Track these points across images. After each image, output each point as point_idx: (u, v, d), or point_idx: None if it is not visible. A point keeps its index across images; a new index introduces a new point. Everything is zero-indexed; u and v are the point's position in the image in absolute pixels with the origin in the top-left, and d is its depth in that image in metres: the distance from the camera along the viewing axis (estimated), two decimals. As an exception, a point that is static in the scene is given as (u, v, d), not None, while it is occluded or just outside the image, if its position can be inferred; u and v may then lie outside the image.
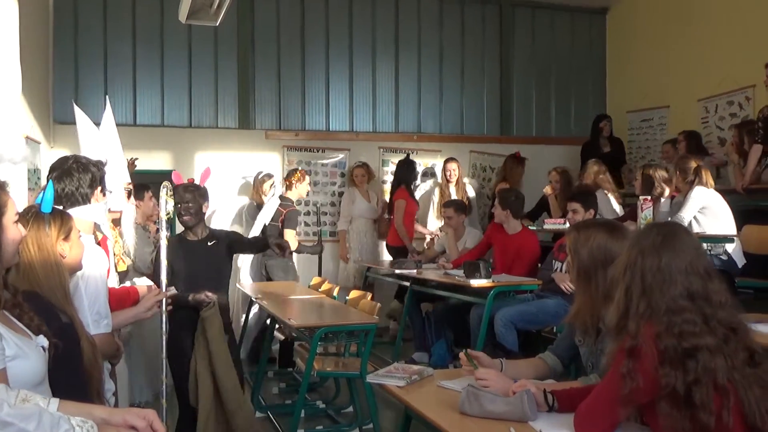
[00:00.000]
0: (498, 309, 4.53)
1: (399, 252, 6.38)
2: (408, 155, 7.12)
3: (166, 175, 3.53)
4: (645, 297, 1.83)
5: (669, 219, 5.05)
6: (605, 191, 5.92)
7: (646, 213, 4.87)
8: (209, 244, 3.24)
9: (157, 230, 3.20)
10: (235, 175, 6.84)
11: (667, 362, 1.75)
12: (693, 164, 5.13)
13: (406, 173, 6.74)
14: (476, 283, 4.59)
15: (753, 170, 5.62)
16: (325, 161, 7.30)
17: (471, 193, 7.18)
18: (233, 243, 3.34)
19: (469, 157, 7.80)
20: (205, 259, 3.21)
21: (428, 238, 6.84)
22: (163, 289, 2.77)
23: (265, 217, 5.72)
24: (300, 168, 6.56)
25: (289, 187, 6.02)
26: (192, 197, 3.24)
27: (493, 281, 4.61)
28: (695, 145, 6.54)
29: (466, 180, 7.22)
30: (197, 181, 3.44)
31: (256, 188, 6.42)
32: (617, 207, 5.92)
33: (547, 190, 6.23)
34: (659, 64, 7.56)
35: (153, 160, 6.48)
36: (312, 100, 7.34)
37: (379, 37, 7.55)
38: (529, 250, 5.13)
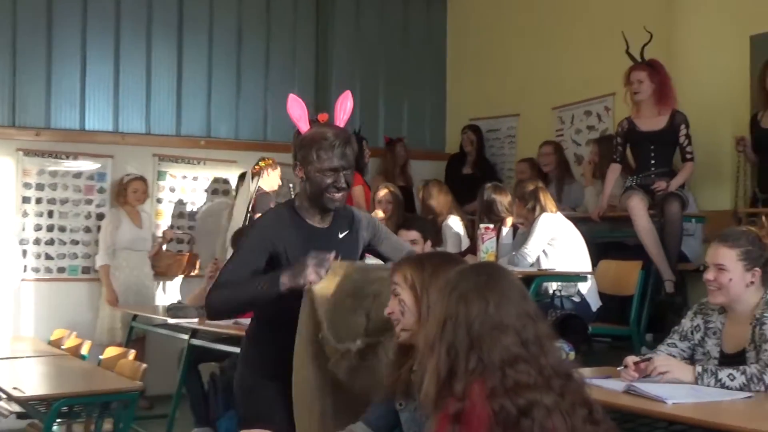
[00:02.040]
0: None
1: None
2: (358, 131, 7.32)
3: None
4: (474, 351, 1.95)
5: (513, 253, 5.41)
6: (456, 217, 6.25)
7: (487, 245, 5.15)
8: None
9: None
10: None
11: (501, 425, 1.86)
12: (530, 187, 5.53)
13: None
14: None
15: (609, 194, 6.13)
16: (77, 170, 7.09)
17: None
18: None
19: (154, 164, 7.75)
20: None
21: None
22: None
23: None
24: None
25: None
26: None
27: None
28: (564, 163, 7.09)
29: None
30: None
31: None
32: (463, 236, 6.28)
33: (377, 213, 6.33)
34: (508, 64, 8.04)
35: None
36: (61, 90, 7.12)
37: (157, 13, 7.49)
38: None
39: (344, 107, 2.99)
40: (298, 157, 2.94)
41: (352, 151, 2.90)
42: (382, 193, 6.49)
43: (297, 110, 2.97)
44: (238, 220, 6.54)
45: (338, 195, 2.89)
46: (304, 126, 2.94)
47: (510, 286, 2.03)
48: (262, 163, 6.80)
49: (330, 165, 2.85)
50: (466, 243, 6.23)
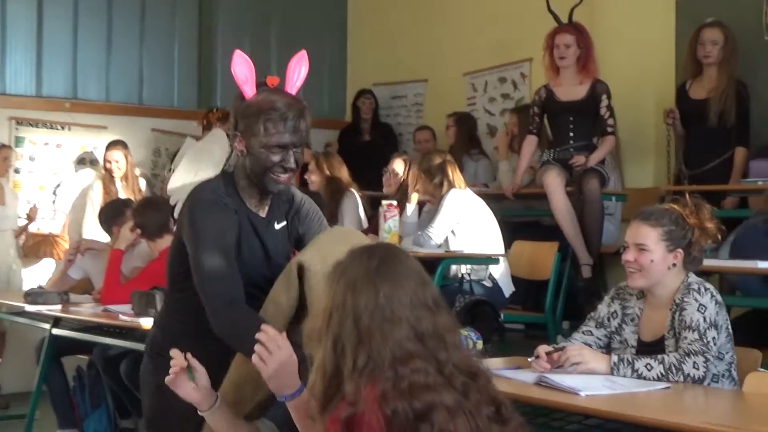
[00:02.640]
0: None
1: None
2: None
3: None
4: (363, 347, 1.95)
5: (418, 233, 5.46)
6: (355, 192, 6.27)
7: (390, 224, 5.20)
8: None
9: None
10: None
11: (396, 431, 1.87)
12: (437, 160, 5.55)
13: None
14: (150, 323, 4.52)
15: (525, 169, 6.23)
16: None
17: (145, 189, 7.21)
18: None
19: (149, 138, 7.76)
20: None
21: None
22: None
23: None
24: None
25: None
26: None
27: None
28: (468, 135, 7.14)
29: (138, 172, 7.22)
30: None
31: None
32: (362, 215, 6.30)
33: None
34: (416, 25, 8.05)
35: None
36: None
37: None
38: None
39: (299, 71, 2.83)
40: (240, 126, 2.76)
41: (306, 126, 2.75)
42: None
43: (243, 70, 2.75)
44: (180, 192, 6.15)
45: (284, 176, 2.76)
46: (249, 90, 2.74)
47: (405, 272, 2.04)
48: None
49: (279, 140, 2.70)
50: (365, 222, 6.27)
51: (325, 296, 2.06)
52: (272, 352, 2.23)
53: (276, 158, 2.72)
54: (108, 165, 6.93)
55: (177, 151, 7.15)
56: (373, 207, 6.18)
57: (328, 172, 6.32)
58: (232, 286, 2.64)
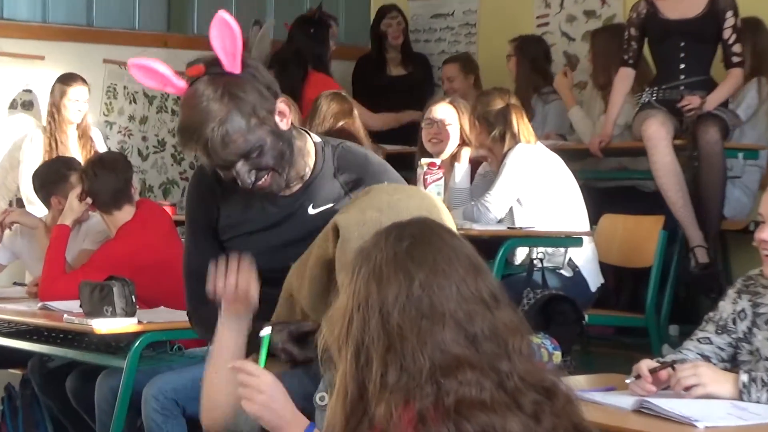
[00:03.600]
0: (150, 378, 4.55)
1: None
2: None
3: None
4: (394, 354, 1.95)
5: (471, 203, 5.46)
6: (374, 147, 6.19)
7: (432, 189, 5.17)
8: None
9: None
10: None
11: None
12: (497, 103, 5.51)
13: (310, 41, 7.30)
14: (106, 326, 4.58)
15: (618, 114, 6.21)
16: None
17: (99, 141, 7.19)
18: None
19: (102, 73, 7.80)
20: None
21: None
22: None
23: None
24: None
25: None
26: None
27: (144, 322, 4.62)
28: (536, 68, 7.09)
29: (92, 122, 7.24)
30: None
31: None
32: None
33: None
34: None
35: None
36: None
37: None
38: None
39: (227, 43, 2.92)
40: None
41: (246, 121, 2.90)
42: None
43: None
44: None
45: (259, 184, 2.97)
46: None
47: (449, 254, 2.04)
48: None
49: (210, 165, 2.99)
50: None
51: (343, 293, 2.07)
52: (250, 398, 2.41)
53: (228, 176, 2.95)
54: (59, 109, 6.92)
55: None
56: (403, 169, 6.10)
57: (327, 125, 6.23)
58: (196, 288, 2.97)
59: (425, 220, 2.15)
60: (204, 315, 3.02)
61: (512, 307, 2.06)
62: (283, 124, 2.94)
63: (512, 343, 2.00)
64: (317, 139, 3.12)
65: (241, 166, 2.89)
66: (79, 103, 6.92)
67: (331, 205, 3.05)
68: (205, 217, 3.12)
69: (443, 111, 5.94)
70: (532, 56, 7.13)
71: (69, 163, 5.91)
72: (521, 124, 5.49)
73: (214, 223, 3.12)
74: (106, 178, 5.22)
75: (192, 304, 3.16)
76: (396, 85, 7.84)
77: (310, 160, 3.08)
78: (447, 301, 1.98)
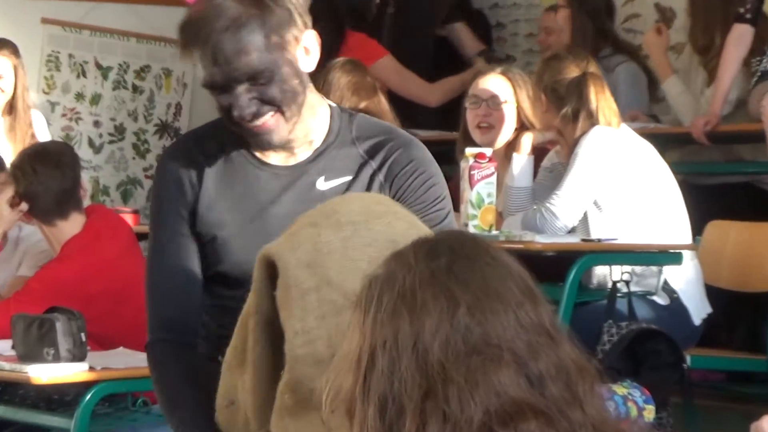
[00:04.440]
0: None
1: None
2: None
3: None
4: (435, 401, 1.93)
5: (534, 207, 5.44)
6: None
7: (480, 190, 5.22)
8: None
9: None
10: None
11: None
12: (570, 70, 5.58)
13: None
14: (47, 374, 4.58)
15: (729, 87, 6.20)
16: None
17: (41, 128, 7.21)
18: None
19: (40, 36, 7.90)
20: None
21: None
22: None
23: None
24: None
25: None
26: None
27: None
28: (592, 19, 7.08)
29: (33, 98, 7.30)
30: None
31: None
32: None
33: None
34: None
35: None
36: None
37: None
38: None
39: None
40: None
41: (262, 38, 2.97)
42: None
43: None
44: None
45: (256, 123, 3.03)
46: None
47: (501, 271, 2.03)
48: None
49: (211, 79, 3.00)
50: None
51: (355, 333, 2.06)
52: None
53: (223, 101, 3.03)
54: None
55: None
56: (443, 162, 6.11)
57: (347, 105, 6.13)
58: (169, 304, 3.11)
59: (459, 232, 2.23)
60: (168, 355, 3.10)
61: (575, 343, 2.05)
62: (306, 62, 3.01)
63: (582, 387, 1.99)
64: (331, 102, 3.20)
65: (242, 91, 2.96)
66: (2, 79, 6.96)
67: (348, 177, 3.12)
68: (182, 202, 3.12)
69: (495, 85, 5.93)
70: (591, 7, 7.14)
71: None
72: (601, 100, 5.50)
73: (192, 211, 3.12)
74: (48, 176, 5.24)
75: (155, 334, 3.14)
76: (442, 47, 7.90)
77: (323, 124, 3.14)
78: (503, 330, 1.96)
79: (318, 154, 3.12)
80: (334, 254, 2.56)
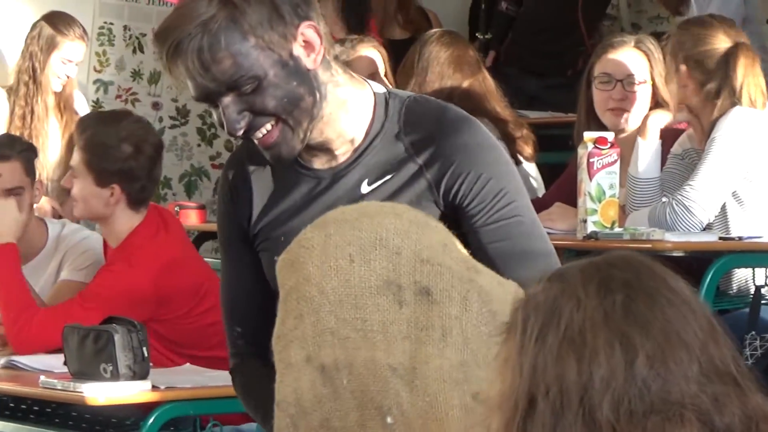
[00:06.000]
0: None
1: None
2: None
3: None
4: None
5: (663, 201, 5.23)
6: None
7: (601, 181, 5.10)
8: None
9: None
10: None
11: None
12: (718, 41, 5.30)
13: None
14: (104, 393, 4.57)
15: None
16: None
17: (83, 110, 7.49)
18: None
19: (92, 6, 7.99)
20: None
21: None
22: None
23: None
24: None
25: None
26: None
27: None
28: None
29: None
30: None
31: None
32: (533, 171, 6.40)
33: None
34: None
35: None
36: None
37: None
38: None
39: None
40: None
41: (241, 37, 2.97)
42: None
43: None
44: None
45: (255, 139, 3.05)
46: None
47: (684, 310, 1.94)
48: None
49: (192, 94, 3.03)
50: (538, 182, 6.25)
51: (506, 368, 2.02)
52: None
53: (216, 116, 3.05)
54: (43, 67, 7.02)
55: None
56: (555, 148, 5.97)
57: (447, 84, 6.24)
58: (248, 324, 3.24)
59: (631, 256, 2.07)
60: (251, 373, 3.25)
61: (760, 385, 1.95)
62: (308, 59, 2.95)
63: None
64: (380, 88, 3.14)
65: (228, 103, 2.96)
66: (70, 66, 7.05)
67: (389, 176, 3.11)
68: (238, 224, 3.22)
69: (630, 61, 5.81)
70: None
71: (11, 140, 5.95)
72: (749, 77, 5.29)
73: (248, 223, 3.22)
74: (149, 160, 5.31)
75: (235, 356, 3.34)
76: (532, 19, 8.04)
77: (364, 117, 3.10)
78: (686, 384, 1.89)
79: (359, 155, 3.14)
80: (314, 250, 2.76)
